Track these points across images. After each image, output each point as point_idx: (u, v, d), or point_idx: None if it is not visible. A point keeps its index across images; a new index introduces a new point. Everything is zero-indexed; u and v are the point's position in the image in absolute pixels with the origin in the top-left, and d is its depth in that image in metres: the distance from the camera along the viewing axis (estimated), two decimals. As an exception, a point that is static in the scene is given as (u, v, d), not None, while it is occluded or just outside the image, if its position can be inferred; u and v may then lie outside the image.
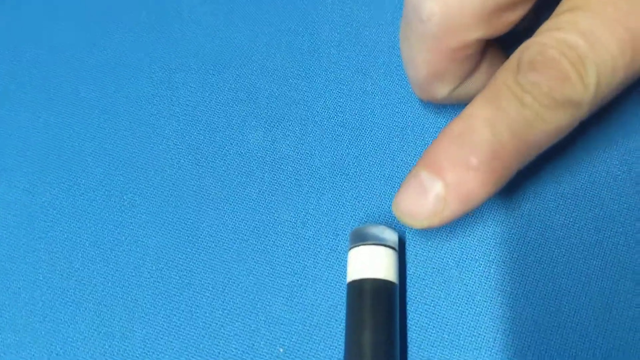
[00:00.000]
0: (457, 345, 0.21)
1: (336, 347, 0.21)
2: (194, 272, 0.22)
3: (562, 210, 0.22)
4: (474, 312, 0.21)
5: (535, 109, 0.18)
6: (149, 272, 0.22)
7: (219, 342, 0.21)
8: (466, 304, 0.21)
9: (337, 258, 0.22)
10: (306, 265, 0.22)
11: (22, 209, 0.24)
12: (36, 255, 0.23)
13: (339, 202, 0.23)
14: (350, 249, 0.21)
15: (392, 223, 0.22)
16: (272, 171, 0.24)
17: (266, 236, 0.23)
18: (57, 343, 0.22)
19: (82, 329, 0.22)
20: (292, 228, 0.23)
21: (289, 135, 0.24)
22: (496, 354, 0.20)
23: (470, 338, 0.21)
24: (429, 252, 0.22)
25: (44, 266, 0.23)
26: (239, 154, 0.24)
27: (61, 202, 0.24)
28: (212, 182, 0.24)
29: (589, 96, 0.18)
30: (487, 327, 0.21)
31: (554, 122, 0.18)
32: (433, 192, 0.19)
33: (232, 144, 0.24)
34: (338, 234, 0.22)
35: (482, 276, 0.21)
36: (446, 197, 0.19)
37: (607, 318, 0.21)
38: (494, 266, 0.21)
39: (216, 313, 0.22)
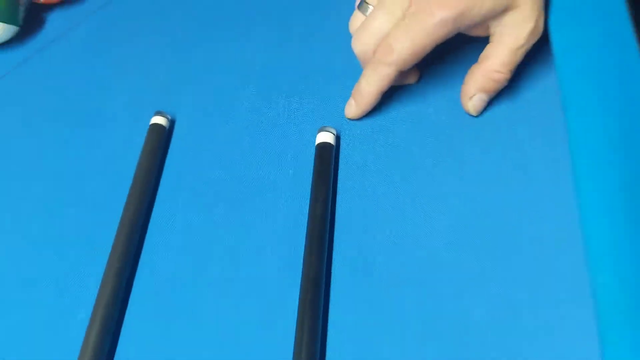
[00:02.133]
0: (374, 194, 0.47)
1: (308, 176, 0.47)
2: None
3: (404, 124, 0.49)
4: (378, 169, 0.47)
5: (378, 69, 0.46)
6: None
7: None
8: (374, 170, 0.47)
9: (311, 139, 0.49)
10: (295, 141, 0.49)
11: None
12: None
13: (317, 117, 0.50)
14: (317, 134, 0.48)
15: (337, 125, 0.49)
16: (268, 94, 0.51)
17: (264, 129, 0.50)
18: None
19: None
20: (285, 125, 0.50)
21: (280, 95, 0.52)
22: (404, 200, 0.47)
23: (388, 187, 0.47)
24: (351, 142, 0.49)
25: None
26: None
27: None
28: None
29: (395, 61, 0.45)
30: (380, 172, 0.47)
31: (385, 73, 0.46)
32: (354, 105, 0.48)
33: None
34: (312, 131, 0.49)
35: (376, 149, 0.48)
36: (356, 107, 0.48)
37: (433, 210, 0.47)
38: (377, 143, 0.48)
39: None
